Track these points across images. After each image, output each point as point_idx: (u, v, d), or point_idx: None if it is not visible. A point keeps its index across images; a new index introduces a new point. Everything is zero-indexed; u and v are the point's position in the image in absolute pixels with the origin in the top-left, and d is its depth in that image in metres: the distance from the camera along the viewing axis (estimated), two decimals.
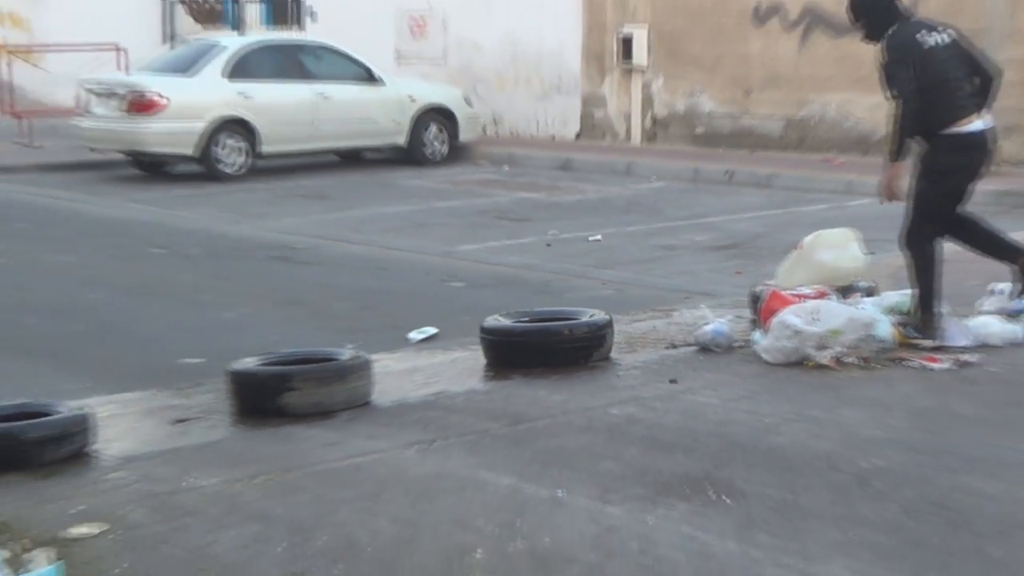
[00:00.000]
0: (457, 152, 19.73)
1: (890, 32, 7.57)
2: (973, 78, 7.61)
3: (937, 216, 7.68)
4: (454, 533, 4.87)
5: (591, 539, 4.79)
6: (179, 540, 4.82)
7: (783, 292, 8.08)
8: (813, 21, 18.68)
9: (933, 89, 7.43)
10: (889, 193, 7.74)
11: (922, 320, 7.65)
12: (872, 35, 7.77)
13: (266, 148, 18.32)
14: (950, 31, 7.67)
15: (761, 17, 19.20)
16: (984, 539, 4.78)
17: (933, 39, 7.58)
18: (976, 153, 7.63)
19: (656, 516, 5.04)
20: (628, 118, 20.80)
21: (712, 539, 4.78)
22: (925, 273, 7.65)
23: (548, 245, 12.59)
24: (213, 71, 18.47)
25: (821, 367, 7.41)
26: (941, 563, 4.53)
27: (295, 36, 23.30)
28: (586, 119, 21.24)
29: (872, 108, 17.59)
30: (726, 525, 4.94)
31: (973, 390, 7.06)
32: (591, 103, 21.27)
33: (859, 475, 5.58)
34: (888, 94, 7.51)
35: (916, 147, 7.59)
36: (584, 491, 5.33)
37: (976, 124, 7.55)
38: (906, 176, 7.68)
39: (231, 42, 20.18)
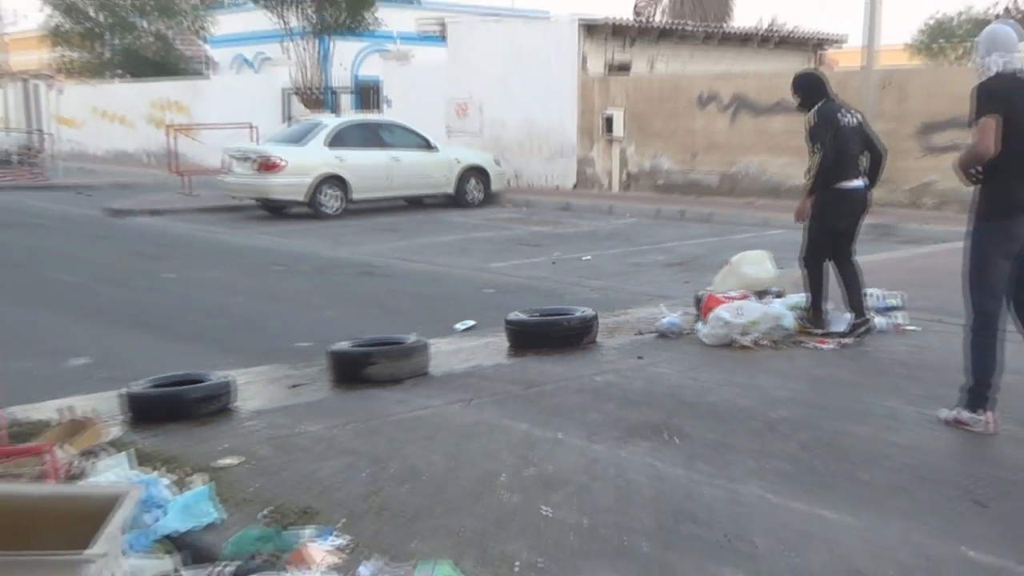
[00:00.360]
0: (489, 198, 19.95)
1: (819, 106, 7.73)
2: (865, 152, 7.80)
3: (824, 245, 7.84)
4: (485, 463, 5.29)
5: (581, 467, 5.23)
6: (293, 468, 5.22)
7: (717, 295, 8.30)
8: (740, 105, 19.45)
9: (836, 154, 7.58)
10: (801, 216, 7.93)
11: (813, 316, 7.93)
12: (805, 106, 7.91)
13: (355, 196, 18.59)
14: (858, 116, 7.89)
15: (703, 103, 19.94)
16: (856, 467, 5.19)
17: (846, 119, 7.74)
18: (855, 203, 7.81)
19: (627, 451, 5.47)
20: (610, 174, 21.14)
21: (666, 467, 5.21)
22: (815, 284, 7.91)
23: (553, 263, 12.82)
24: (317, 142, 18.72)
25: (744, 348, 7.69)
26: (825, 484, 4.95)
27: (376, 117, 23.47)
28: (580, 174, 21.51)
29: (782, 166, 18.72)
30: (676, 458, 5.36)
31: (850, 363, 7.39)
32: (584, 163, 21.59)
33: (769, 423, 5.95)
34: (813, 147, 7.64)
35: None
36: (576, 434, 5.75)
37: (857, 183, 7.75)
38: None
39: (330, 121, 20.36)
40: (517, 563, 4.04)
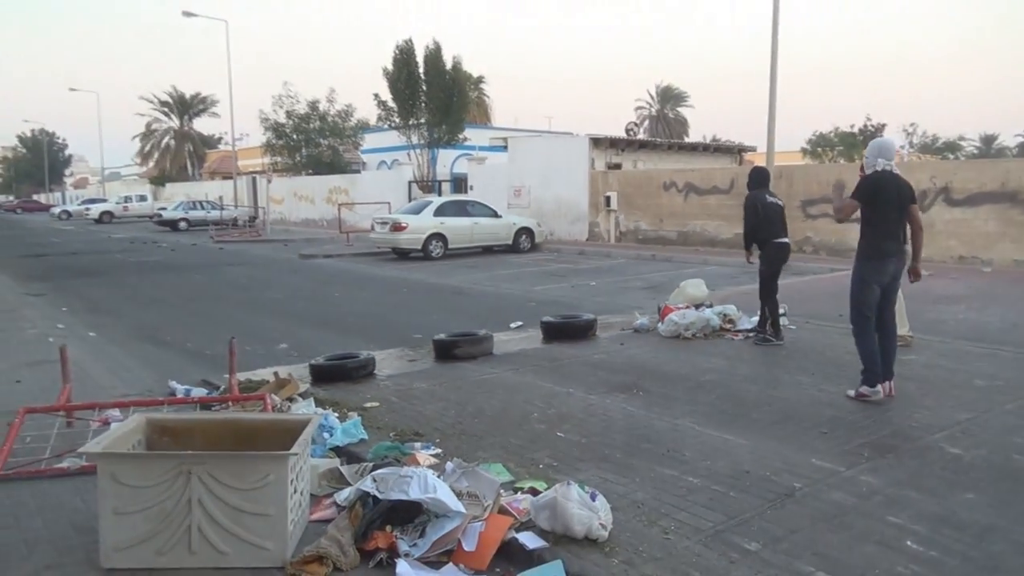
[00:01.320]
0: (534, 247, 19.60)
1: (755, 192, 7.60)
2: (784, 220, 7.62)
3: (771, 281, 7.56)
4: (524, 406, 5.41)
5: (582, 409, 5.35)
6: (409, 409, 5.37)
7: (671, 306, 8.30)
8: (689, 189, 19.07)
9: (767, 221, 7.47)
10: (747, 259, 7.86)
11: (773, 330, 7.48)
12: (750, 188, 7.73)
13: (451, 246, 18.38)
14: (779, 201, 7.73)
15: (667, 187, 19.53)
16: (750, 410, 5.27)
17: (772, 200, 7.61)
18: (784, 252, 7.64)
19: (610, 400, 5.57)
20: (609, 231, 20.78)
21: (633, 409, 5.32)
22: (771, 307, 7.52)
23: (572, 287, 12.61)
24: (428, 212, 18.52)
25: (686, 339, 7.62)
26: (730, 420, 5.03)
27: (463, 197, 23.36)
28: (591, 231, 21.28)
29: (716, 227, 18.45)
30: (639, 403, 5.47)
31: (751, 348, 7.29)
32: (592, 224, 21.35)
33: (698, 383, 5.97)
34: (746, 217, 7.57)
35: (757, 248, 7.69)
36: (580, 389, 5.84)
37: (784, 239, 7.59)
38: (752, 257, 7.81)
39: (436, 199, 20.39)
40: (541, 464, 4.22)
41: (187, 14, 34.06)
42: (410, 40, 28.86)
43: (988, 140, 62.40)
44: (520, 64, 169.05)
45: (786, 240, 7.67)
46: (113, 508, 3.14)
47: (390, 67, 28.90)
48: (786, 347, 7.31)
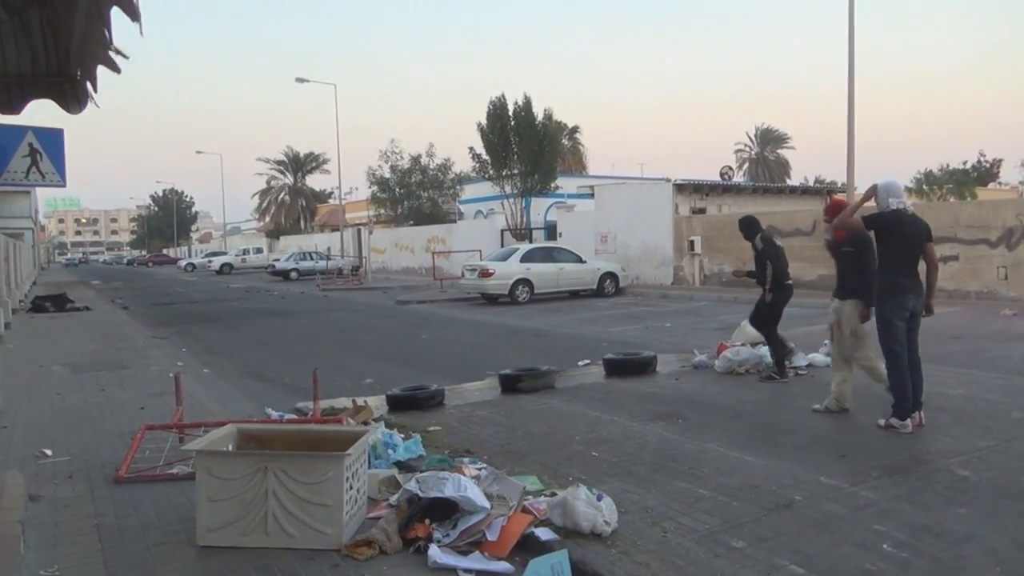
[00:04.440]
0: (619, 291, 19.86)
1: (760, 235, 7.85)
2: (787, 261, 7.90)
3: (775, 317, 7.84)
4: (569, 430, 5.89)
5: (620, 433, 5.80)
6: (466, 432, 5.92)
7: (726, 343, 8.62)
8: (771, 231, 18.80)
9: (783, 265, 7.80)
10: (766, 296, 7.84)
11: (777, 367, 7.71)
12: (749, 237, 7.95)
13: (537, 291, 18.88)
14: (780, 240, 8.11)
15: None
16: (778, 436, 5.66)
17: (778, 241, 8.04)
18: (790, 291, 7.89)
19: (649, 426, 5.99)
20: (693, 275, 20.89)
21: (668, 434, 5.73)
22: (774, 344, 7.77)
23: (647, 328, 12.88)
24: (515, 259, 19.11)
25: (739, 374, 7.95)
26: (755, 444, 5.47)
27: (549, 244, 23.86)
28: (675, 275, 21.40)
29: (797, 268, 17.43)
30: (675, 429, 5.88)
31: (796, 385, 7.51)
32: (677, 268, 21.45)
33: (738, 413, 6.34)
34: (766, 261, 7.71)
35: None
36: (624, 417, 6.29)
37: (790, 280, 7.89)
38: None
39: (524, 247, 20.94)
40: (571, 477, 4.73)
41: (300, 80, 36.74)
42: (502, 96, 30.23)
43: None
44: (618, 113, 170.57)
45: (791, 281, 7.99)
46: (208, 496, 3.90)
47: (484, 121, 30.33)
48: (822, 384, 7.47)
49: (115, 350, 11.59)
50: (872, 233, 5.75)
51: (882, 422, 5.72)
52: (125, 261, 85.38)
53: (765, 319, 7.89)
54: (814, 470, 4.74)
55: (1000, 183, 51.42)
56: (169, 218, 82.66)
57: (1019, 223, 14.28)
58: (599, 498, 3.89)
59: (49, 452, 5.66)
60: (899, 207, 5.66)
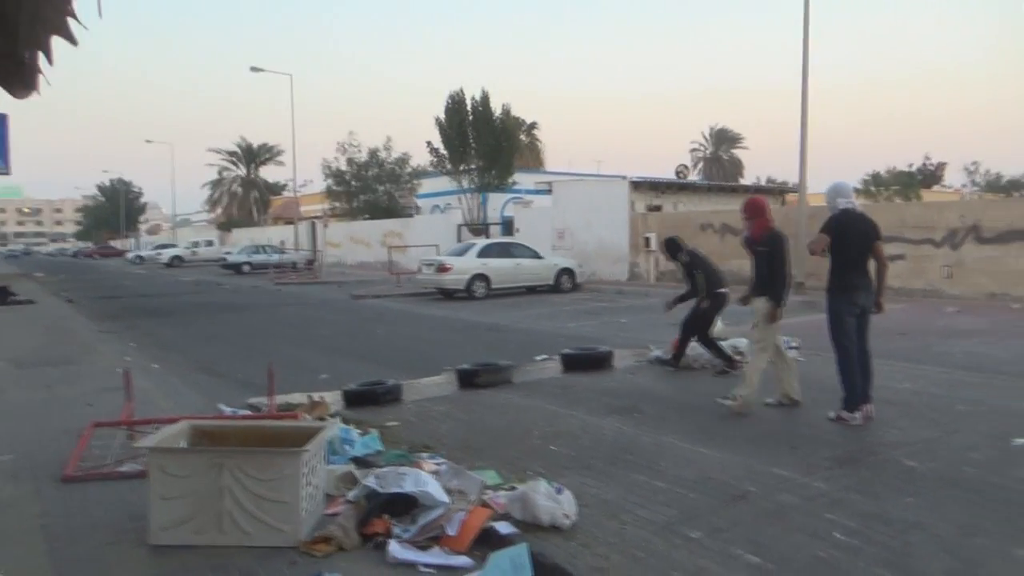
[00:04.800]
0: (575, 287, 19.93)
1: (684, 250, 8.24)
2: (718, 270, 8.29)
3: (706, 324, 8.05)
4: (527, 425, 5.91)
5: (578, 427, 5.85)
6: (424, 427, 5.91)
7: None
8: (725, 229, 19.15)
9: (714, 273, 8.14)
10: (702, 304, 8.07)
11: (727, 362, 7.90)
12: (673, 256, 8.35)
13: (494, 286, 18.80)
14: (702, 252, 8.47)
15: (704, 228, 19.63)
16: (730, 427, 5.76)
17: (702, 252, 8.45)
18: (724, 299, 8.10)
19: (606, 420, 6.04)
20: (648, 271, 21.16)
21: (624, 428, 5.80)
22: (710, 346, 8.04)
23: (603, 323, 12.93)
24: (472, 254, 19.06)
25: (692, 369, 8.07)
26: (710, 436, 5.60)
27: (507, 239, 23.74)
28: (631, 272, 21.63)
29: (750, 267, 18.30)
30: (632, 423, 5.93)
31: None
32: (633, 265, 21.71)
33: (694, 406, 6.41)
34: (696, 274, 8.09)
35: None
36: (582, 411, 6.33)
37: (724, 289, 8.11)
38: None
39: (480, 241, 20.93)
40: (530, 471, 4.74)
41: (255, 69, 36.15)
42: (460, 90, 30.16)
43: None
44: (576, 110, 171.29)
45: (726, 291, 8.21)
46: (160, 494, 3.81)
47: (442, 116, 30.20)
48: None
49: (61, 345, 11.25)
50: (827, 235, 5.83)
51: (832, 415, 5.85)
52: (70, 253, 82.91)
53: (696, 327, 8.07)
54: (767, 462, 4.84)
55: (944, 186, 52.99)
56: (116, 209, 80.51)
57: (962, 224, 14.76)
58: (559, 491, 3.92)
59: None
60: (847, 207, 5.80)
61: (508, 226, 30.44)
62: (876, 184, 47.20)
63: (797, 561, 3.43)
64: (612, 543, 3.65)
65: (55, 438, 5.74)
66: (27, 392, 7.67)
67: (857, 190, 47.86)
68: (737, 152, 69.69)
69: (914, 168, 50.91)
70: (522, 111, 54.92)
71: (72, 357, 10.00)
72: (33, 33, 3.81)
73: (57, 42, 3.65)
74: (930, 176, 52.25)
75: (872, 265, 5.92)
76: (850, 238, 5.75)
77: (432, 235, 29.82)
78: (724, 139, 69.29)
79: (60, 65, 4.03)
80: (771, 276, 6.29)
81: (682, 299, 8.34)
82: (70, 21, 3.35)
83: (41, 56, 4.06)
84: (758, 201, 6.80)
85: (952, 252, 14.80)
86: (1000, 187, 51.95)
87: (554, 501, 3.84)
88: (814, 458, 4.91)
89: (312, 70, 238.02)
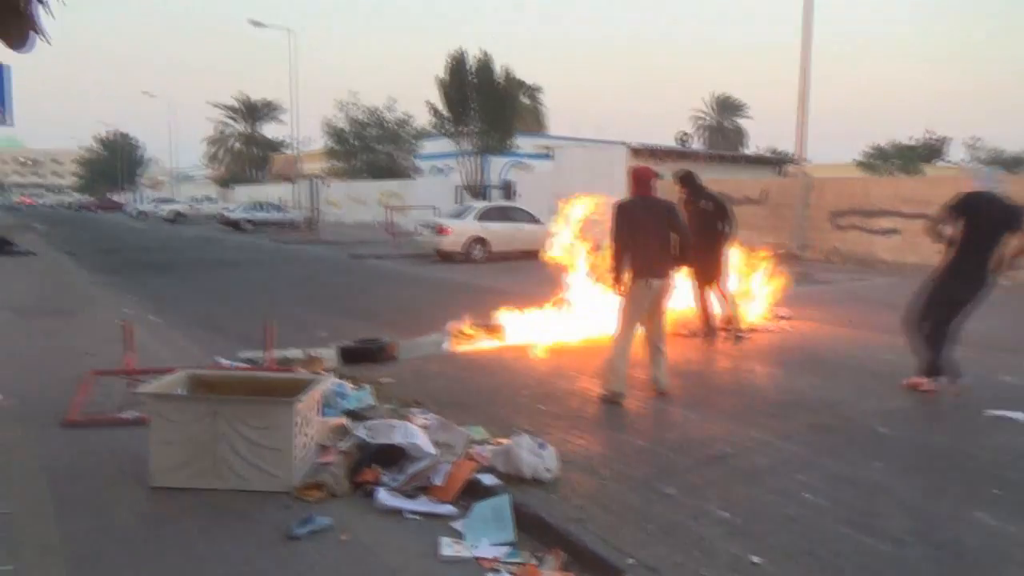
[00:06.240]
0: None
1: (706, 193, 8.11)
2: None
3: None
4: (520, 385, 6.02)
5: (569, 389, 5.95)
6: (418, 384, 6.02)
7: None
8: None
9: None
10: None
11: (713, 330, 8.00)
12: (693, 193, 8.25)
13: (493, 249, 18.85)
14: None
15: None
16: (720, 394, 5.90)
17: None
18: None
19: (598, 383, 6.16)
20: None
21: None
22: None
23: None
24: (470, 217, 19.13)
25: (683, 336, 8.08)
26: (699, 404, 5.69)
27: (506, 203, 23.75)
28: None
29: (746, 236, 18.20)
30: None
31: (750, 344, 7.83)
32: None
33: (681, 373, 6.43)
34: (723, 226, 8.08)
35: None
36: (573, 373, 6.38)
37: None
38: None
39: (479, 204, 20.87)
40: (516, 428, 4.89)
41: (254, 23, 35.78)
42: (462, 50, 29.93)
43: None
44: (583, 74, 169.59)
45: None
46: (160, 439, 3.98)
47: (444, 76, 30.00)
48: (783, 345, 7.85)
49: (62, 296, 11.39)
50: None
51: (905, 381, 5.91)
52: (68, 205, 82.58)
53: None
54: (748, 426, 4.99)
55: (947, 161, 52.73)
56: (116, 162, 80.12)
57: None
58: (541, 447, 4.08)
59: None
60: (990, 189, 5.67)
61: (507, 190, 30.45)
62: (879, 157, 47.01)
63: (765, 517, 3.60)
64: (590, 496, 3.82)
65: (58, 385, 5.89)
66: (29, 340, 7.83)
67: (860, 163, 47.81)
68: (741, 121, 69.21)
69: (915, 142, 50.62)
70: (526, 74, 54.47)
71: (73, 308, 10.15)
72: None
73: None
74: (933, 150, 51.95)
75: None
76: (985, 219, 5.50)
77: (431, 197, 29.84)
78: (727, 107, 68.61)
79: (56, 14, 4.09)
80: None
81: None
82: None
83: (41, 10, 4.13)
84: (643, 170, 6.01)
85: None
86: (1001, 162, 51.72)
87: (536, 456, 4.00)
88: (793, 424, 5.06)
89: (314, 27, 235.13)
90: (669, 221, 5.68)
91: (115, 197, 78.35)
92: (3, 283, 12.83)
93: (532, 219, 20.14)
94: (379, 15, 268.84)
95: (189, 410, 3.97)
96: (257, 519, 3.63)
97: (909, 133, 50.65)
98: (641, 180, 5.81)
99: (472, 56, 29.88)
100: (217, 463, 3.95)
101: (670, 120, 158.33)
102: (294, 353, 6.93)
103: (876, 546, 3.33)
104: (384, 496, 3.84)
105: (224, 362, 6.70)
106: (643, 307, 5.62)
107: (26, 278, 13.65)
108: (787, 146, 60.11)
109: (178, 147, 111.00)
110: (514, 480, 3.96)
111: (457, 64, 29.79)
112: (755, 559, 3.17)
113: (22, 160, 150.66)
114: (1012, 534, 3.49)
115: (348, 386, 5.66)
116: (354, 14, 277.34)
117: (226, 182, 61.42)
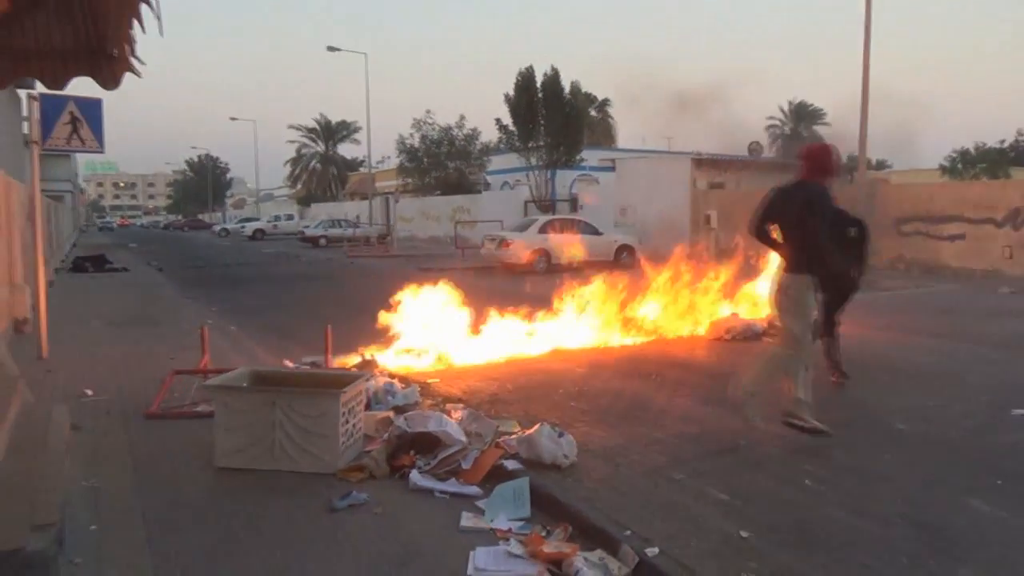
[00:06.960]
0: (635, 263, 20.11)
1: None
2: None
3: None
4: (555, 385, 6.34)
5: (600, 388, 6.29)
6: (461, 383, 6.41)
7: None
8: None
9: None
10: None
11: None
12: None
13: (553, 261, 19.19)
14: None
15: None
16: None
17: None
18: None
19: (628, 382, 6.46)
20: (708, 247, 21.45)
21: (644, 389, 6.23)
22: None
23: None
24: (533, 230, 19.61)
25: (725, 340, 8.43)
26: (724, 400, 5.92)
27: (568, 215, 24.14)
28: (691, 246, 21.91)
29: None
30: (652, 386, 6.36)
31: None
32: (693, 240, 21.80)
33: (712, 373, 6.54)
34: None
35: None
36: (608, 374, 6.74)
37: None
38: None
39: (542, 217, 21.35)
40: (546, 422, 5.25)
41: (331, 49, 37.34)
42: (530, 67, 30.50)
43: None
44: (649, 87, 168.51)
45: None
46: (224, 426, 4.52)
47: (512, 93, 30.63)
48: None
49: (150, 308, 12.34)
50: None
51: None
52: (161, 225, 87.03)
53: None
54: (766, 421, 5.21)
55: None
56: (205, 184, 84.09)
57: None
58: (560, 435, 4.45)
59: (90, 392, 6.35)
60: None
61: (573, 203, 30.79)
62: (963, 162, 45.34)
63: (762, 499, 3.88)
64: (603, 480, 4.17)
65: (143, 384, 6.58)
66: (120, 347, 8.63)
67: (943, 168, 46.18)
68: (819, 128, 67.71)
69: (1006, 144, 48.58)
70: (595, 88, 54.73)
71: (159, 318, 11.03)
72: (119, 28, 4.53)
73: (140, 35, 4.32)
74: (1022, 153, 49.75)
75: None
76: None
77: (500, 211, 30.40)
78: (804, 115, 67.38)
79: (151, 47, 4.74)
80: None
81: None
82: (146, 9, 3.94)
83: (128, 49, 4.77)
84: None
85: (1014, 232, 14.50)
86: None
87: (555, 443, 4.38)
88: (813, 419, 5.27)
89: (387, 51, 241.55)
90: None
91: (204, 217, 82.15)
92: (98, 296, 13.95)
93: (593, 230, 20.50)
94: (450, 36, 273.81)
95: (250, 400, 4.51)
96: (305, 495, 4.12)
97: (1000, 136, 48.46)
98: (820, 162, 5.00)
99: (542, 72, 30.46)
100: (273, 447, 4.46)
101: (744, 132, 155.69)
102: (353, 358, 7.49)
103: (863, 526, 3.57)
104: (416, 477, 4.28)
105: (290, 366, 7.28)
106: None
107: (119, 291, 14.78)
108: (871, 154, 58.53)
109: (261, 167, 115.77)
110: (535, 465, 4.33)
111: (526, 81, 30.35)
112: (744, 533, 3.47)
113: (120, 184, 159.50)
114: (1002, 519, 3.67)
115: (397, 384, 6.13)
116: (425, 38, 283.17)
117: (305, 200, 63.73)
